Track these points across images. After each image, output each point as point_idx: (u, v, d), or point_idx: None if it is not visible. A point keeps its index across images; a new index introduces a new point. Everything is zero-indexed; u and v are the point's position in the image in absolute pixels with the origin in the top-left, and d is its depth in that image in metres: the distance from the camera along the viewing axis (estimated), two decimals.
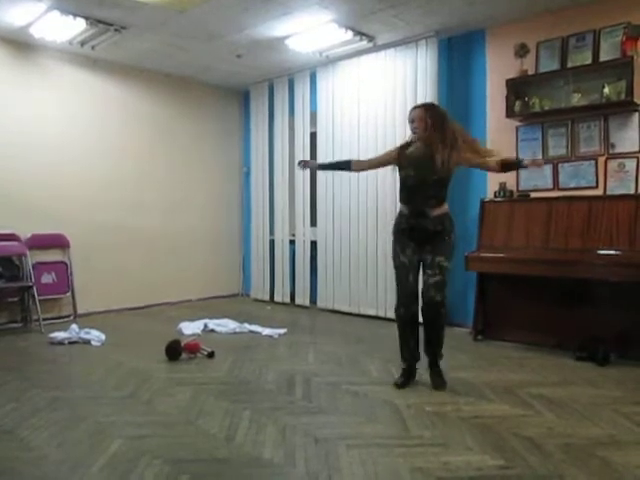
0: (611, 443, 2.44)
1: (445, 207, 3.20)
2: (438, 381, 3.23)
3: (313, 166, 4.09)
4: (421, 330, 3.31)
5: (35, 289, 5.02)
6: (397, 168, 3.31)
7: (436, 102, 4.85)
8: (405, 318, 3.28)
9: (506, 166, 3.19)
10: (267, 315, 5.72)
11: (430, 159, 3.11)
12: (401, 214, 3.28)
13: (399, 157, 3.28)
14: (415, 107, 3.30)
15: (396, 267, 3.30)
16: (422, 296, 3.19)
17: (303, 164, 3.74)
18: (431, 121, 3.14)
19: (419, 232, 3.17)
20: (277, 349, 4.27)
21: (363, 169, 3.70)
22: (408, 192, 3.23)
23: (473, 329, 4.53)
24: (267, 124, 6.57)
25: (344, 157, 5.58)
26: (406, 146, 3.30)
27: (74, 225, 5.50)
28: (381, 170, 5.28)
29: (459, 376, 3.44)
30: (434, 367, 3.29)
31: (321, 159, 5.91)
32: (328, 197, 5.86)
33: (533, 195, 4.51)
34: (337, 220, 5.78)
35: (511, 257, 4.18)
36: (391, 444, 2.44)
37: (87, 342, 4.43)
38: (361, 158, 3.79)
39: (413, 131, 3.24)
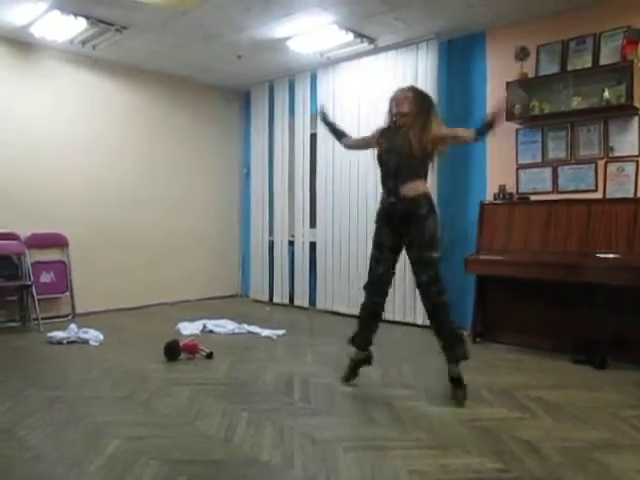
0: (609, 446, 2.44)
1: (421, 187, 3.08)
2: (456, 393, 3.03)
3: (324, 118, 3.63)
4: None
5: (34, 288, 5.02)
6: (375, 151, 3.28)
7: (436, 104, 4.87)
8: (365, 306, 3.27)
9: (481, 131, 3.04)
10: (266, 316, 5.72)
11: (405, 138, 3.06)
12: (381, 199, 3.24)
13: (379, 138, 3.26)
14: (402, 89, 3.24)
15: (370, 257, 3.27)
16: (421, 297, 3.12)
17: (323, 114, 3.60)
18: (416, 103, 3.11)
19: (396, 213, 3.10)
20: (276, 350, 4.27)
21: (350, 147, 3.63)
22: (382, 173, 3.21)
23: (472, 331, 4.52)
24: (267, 125, 6.58)
25: (344, 159, 5.63)
26: (386, 129, 3.26)
27: (73, 225, 5.50)
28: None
29: None
30: (454, 380, 3.06)
31: (321, 160, 5.94)
32: (328, 198, 5.86)
33: (533, 198, 4.51)
34: (337, 221, 5.78)
35: (510, 260, 4.18)
36: (389, 446, 2.44)
37: (85, 342, 4.42)
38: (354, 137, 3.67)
39: (393, 114, 3.17)
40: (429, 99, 3.24)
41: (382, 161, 3.22)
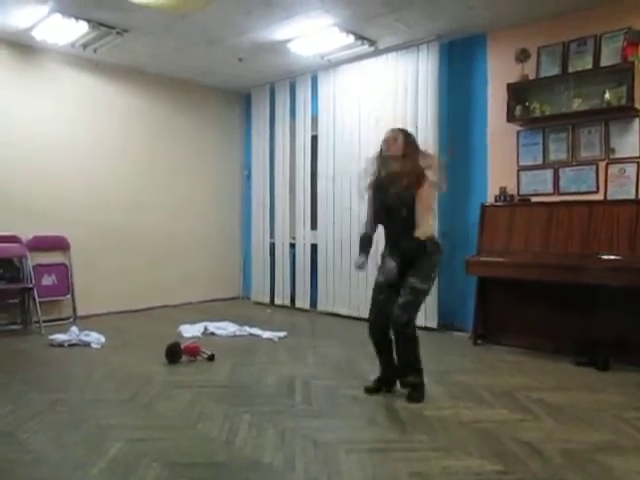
0: (611, 448, 2.43)
1: (425, 232, 3.05)
2: (410, 394, 3.10)
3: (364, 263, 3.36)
4: None
5: (35, 291, 5.03)
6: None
7: (437, 106, 4.90)
8: (372, 333, 3.21)
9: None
10: (267, 318, 5.72)
11: (396, 192, 3.06)
12: (385, 244, 3.26)
13: (373, 198, 3.27)
14: (393, 129, 3.26)
15: (374, 287, 3.26)
16: (391, 315, 3.10)
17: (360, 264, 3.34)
18: (407, 147, 3.12)
19: (400, 261, 3.11)
20: (277, 352, 4.27)
21: (375, 229, 3.39)
22: (382, 224, 3.25)
23: (473, 333, 4.52)
24: (268, 127, 6.58)
25: (344, 161, 5.63)
26: (375, 187, 3.24)
27: (75, 227, 5.51)
28: None
29: (459, 380, 3.44)
30: (408, 387, 3.14)
31: (322, 162, 5.94)
32: (328, 200, 5.87)
33: (534, 200, 4.51)
34: (337, 223, 5.78)
35: (511, 261, 4.18)
36: (390, 448, 2.44)
37: (87, 344, 4.42)
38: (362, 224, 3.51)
39: (384, 151, 3.18)
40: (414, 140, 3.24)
41: (383, 221, 3.24)
